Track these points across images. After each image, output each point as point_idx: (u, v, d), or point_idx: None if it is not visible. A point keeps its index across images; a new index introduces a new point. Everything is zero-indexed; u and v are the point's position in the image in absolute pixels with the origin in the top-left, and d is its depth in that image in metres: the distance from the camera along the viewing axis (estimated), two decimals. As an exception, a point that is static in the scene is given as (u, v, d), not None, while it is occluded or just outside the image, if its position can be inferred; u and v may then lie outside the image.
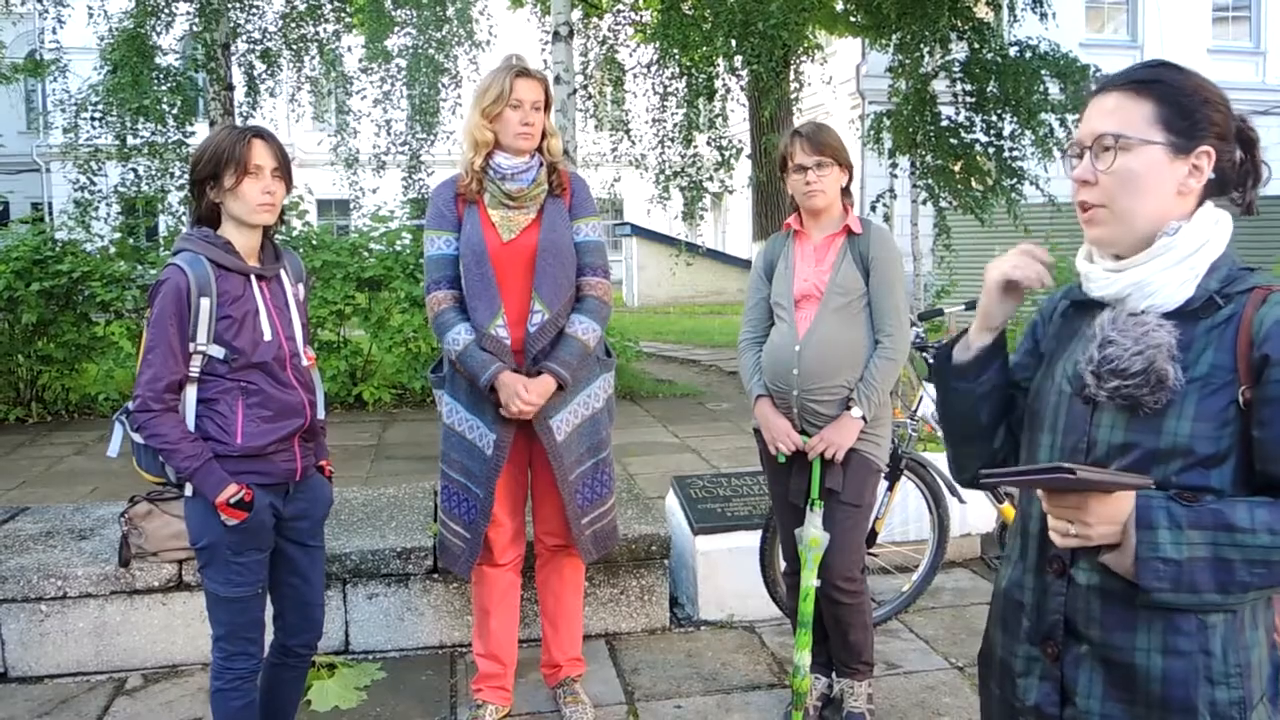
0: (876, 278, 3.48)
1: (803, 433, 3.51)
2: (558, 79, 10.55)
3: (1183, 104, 1.66)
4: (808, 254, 3.57)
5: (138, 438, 2.82)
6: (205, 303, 2.74)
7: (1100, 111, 1.70)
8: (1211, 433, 1.58)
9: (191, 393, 2.79)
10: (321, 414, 3.06)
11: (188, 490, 2.81)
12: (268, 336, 2.84)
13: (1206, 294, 1.64)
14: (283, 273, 2.97)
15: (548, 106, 3.52)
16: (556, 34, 10.60)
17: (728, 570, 4.66)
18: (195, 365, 2.77)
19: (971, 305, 5.61)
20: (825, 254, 3.54)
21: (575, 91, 11.42)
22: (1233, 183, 1.72)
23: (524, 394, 3.38)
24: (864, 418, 3.44)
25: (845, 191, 3.57)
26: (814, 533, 3.47)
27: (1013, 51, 11.79)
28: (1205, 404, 1.59)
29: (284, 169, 2.85)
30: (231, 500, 2.75)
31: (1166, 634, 1.61)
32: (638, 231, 25.33)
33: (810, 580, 3.51)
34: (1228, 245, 1.68)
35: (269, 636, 3.07)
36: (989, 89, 11.73)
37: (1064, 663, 1.72)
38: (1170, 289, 1.65)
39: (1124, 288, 1.69)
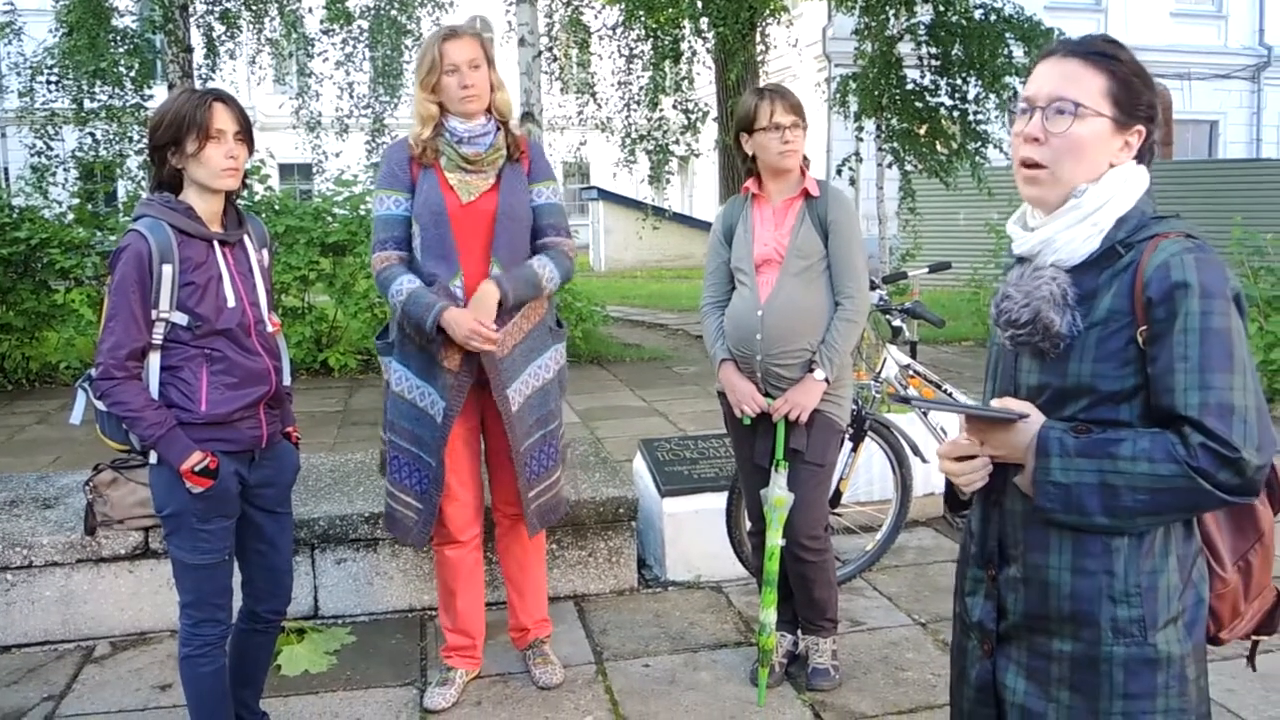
0: (835, 240, 3.51)
1: (767, 395, 3.54)
2: (522, 41, 10.48)
3: (1131, 84, 1.77)
4: (767, 217, 3.59)
5: (101, 405, 2.80)
6: (167, 269, 2.71)
7: (1058, 75, 1.78)
8: (1113, 371, 1.72)
9: (155, 360, 2.77)
10: (287, 380, 3.04)
11: (152, 458, 2.80)
12: (231, 303, 2.82)
13: (1110, 244, 1.75)
14: (246, 238, 2.94)
15: (490, 62, 3.46)
16: (521, -5, 10.50)
17: (694, 531, 4.70)
18: (158, 332, 2.75)
19: (935, 268, 5.69)
20: (784, 217, 3.56)
21: (540, 54, 11.33)
22: (1144, 160, 1.83)
23: (481, 328, 3.30)
24: (827, 379, 3.48)
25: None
26: (779, 493, 3.52)
27: (978, 15, 11.79)
28: (1104, 345, 1.72)
29: (246, 132, 2.82)
30: (196, 468, 2.74)
31: (1075, 554, 1.77)
32: (604, 195, 25.23)
33: (775, 540, 3.56)
34: (1140, 198, 1.78)
35: (237, 602, 3.07)
36: (954, 52, 11.74)
37: (999, 582, 1.89)
38: (1074, 244, 1.77)
39: (1034, 245, 1.82)
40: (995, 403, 1.84)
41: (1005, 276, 1.97)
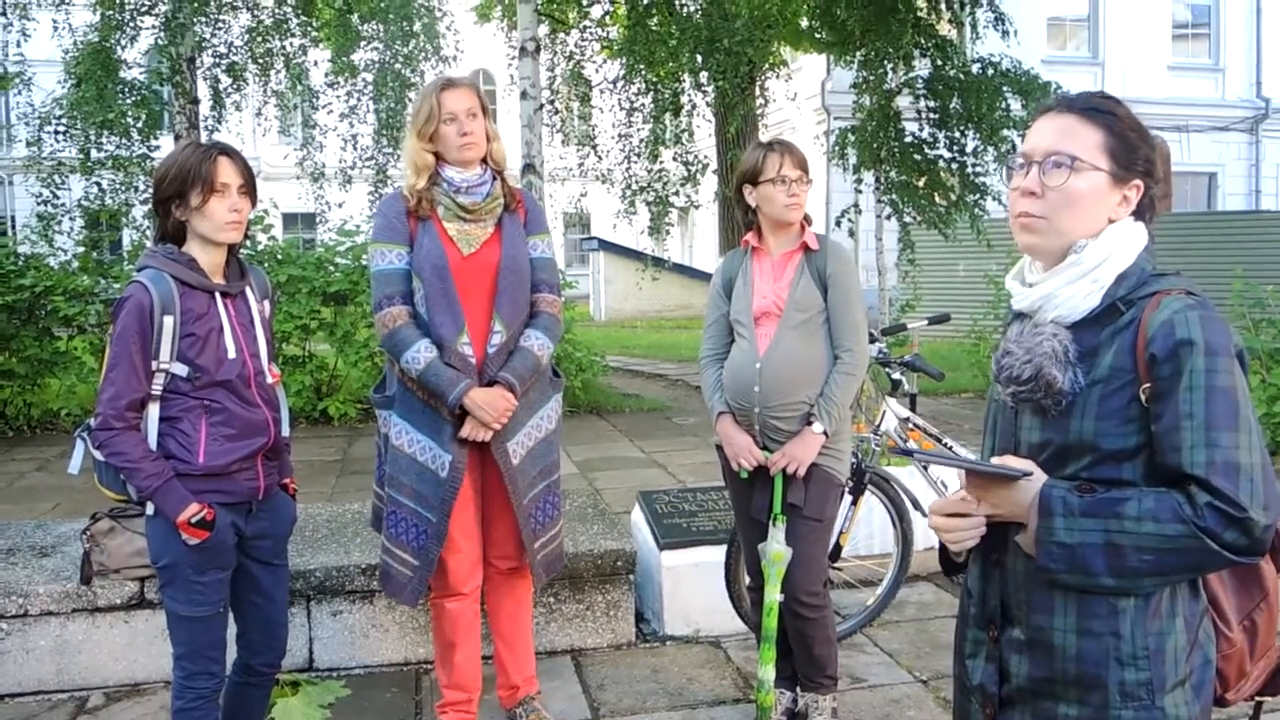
0: (835, 293, 3.51)
1: (765, 448, 3.53)
2: (524, 94, 10.57)
3: (1128, 138, 1.78)
4: (766, 270, 3.60)
5: (99, 455, 2.80)
6: (168, 320, 2.72)
7: (1055, 130, 1.80)
8: (1115, 429, 1.70)
9: (154, 411, 2.77)
10: (286, 432, 3.04)
11: (149, 509, 2.79)
12: (232, 354, 2.82)
13: (1111, 301, 1.75)
14: (248, 290, 2.96)
15: (486, 112, 3.50)
16: (523, 49, 10.63)
17: (693, 585, 4.67)
18: (158, 383, 2.75)
19: (934, 321, 5.70)
20: (783, 270, 3.57)
21: (542, 106, 11.45)
22: (1144, 215, 1.83)
23: (501, 414, 3.39)
24: (825, 433, 3.47)
25: None
26: (776, 548, 3.50)
27: (975, 68, 11.94)
28: (1106, 403, 1.71)
29: (250, 185, 2.84)
30: (193, 520, 2.74)
31: (1080, 616, 1.74)
32: (605, 246, 25.37)
33: (774, 595, 3.53)
34: (1139, 255, 1.78)
35: (232, 655, 3.05)
36: (952, 105, 11.87)
37: (1001, 644, 1.86)
38: (1075, 301, 1.77)
39: (1034, 301, 1.82)
40: (996, 459, 1.83)
41: (1005, 332, 1.97)
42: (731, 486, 3.76)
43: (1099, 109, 1.79)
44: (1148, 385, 1.67)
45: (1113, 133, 1.77)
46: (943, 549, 1.98)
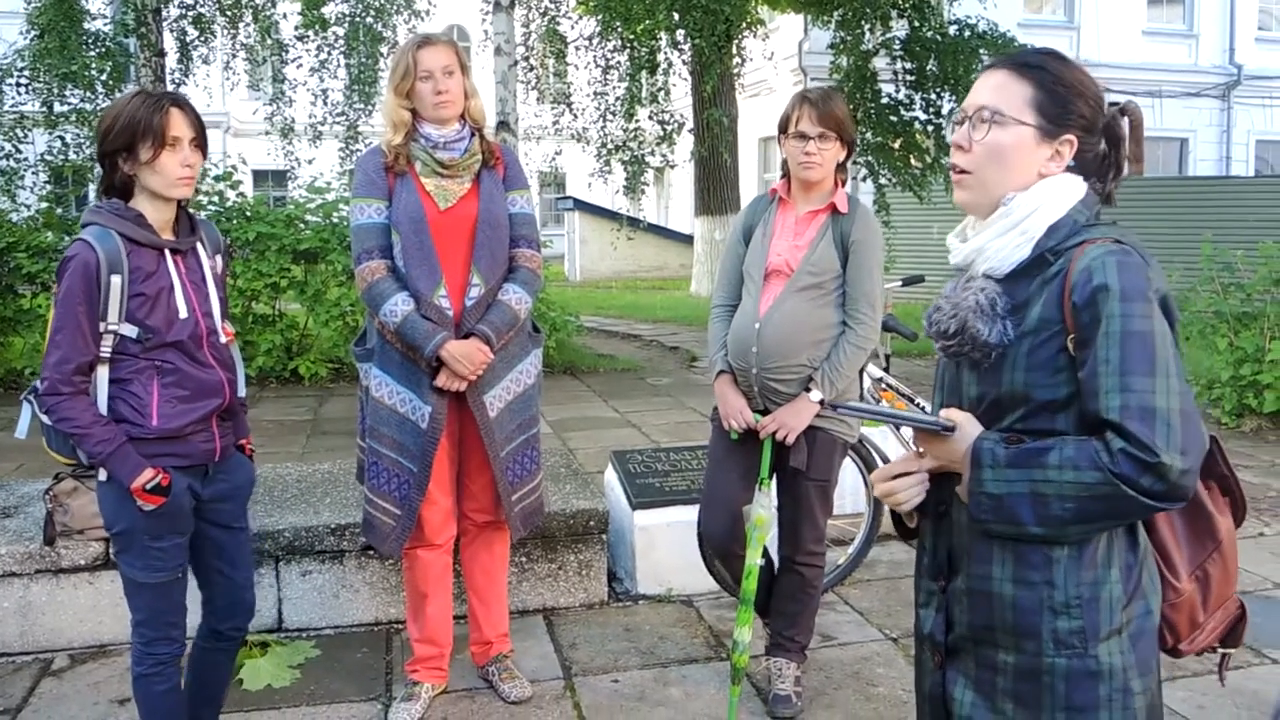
0: (855, 261, 3.42)
1: (764, 410, 3.48)
2: (498, 50, 10.45)
3: (1058, 93, 1.79)
4: (787, 226, 3.50)
5: (47, 419, 2.70)
6: (116, 280, 2.60)
7: (986, 86, 1.83)
8: (1045, 380, 1.72)
9: (103, 373, 2.66)
10: (242, 392, 2.95)
11: (101, 474, 2.70)
12: (183, 314, 2.71)
13: (1041, 252, 1.76)
14: (199, 246, 2.83)
15: (464, 69, 3.47)
16: (497, 4, 10.50)
17: (666, 545, 4.67)
18: (106, 345, 2.64)
19: (908, 282, 5.69)
20: (805, 229, 3.47)
21: (516, 63, 11.32)
22: (1092, 172, 1.84)
23: (477, 365, 3.37)
24: (822, 401, 3.40)
25: (841, 167, 3.50)
26: (760, 512, 3.42)
27: (952, 30, 11.89)
28: (1036, 355, 1.73)
29: (201, 138, 2.72)
30: (148, 485, 2.64)
31: (1017, 566, 1.76)
32: (580, 205, 25.24)
33: (754, 558, 3.47)
34: (1073, 206, 1.78)
35: (193, 618, 2.99)
36: (929, 67, 11.84)
37: (949, 594, 1.89)
38: (1004, 253, 1.79)
39: (967, 255, 1.85)
40: (943, 413, 1.84)
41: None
42: (719, 444, 3.66)
43: (1030, 64, 1.81)
44: (1073, 335, 1.69)
45: (1041, 88, 1.78)
46: (896, 516, 1.99)
